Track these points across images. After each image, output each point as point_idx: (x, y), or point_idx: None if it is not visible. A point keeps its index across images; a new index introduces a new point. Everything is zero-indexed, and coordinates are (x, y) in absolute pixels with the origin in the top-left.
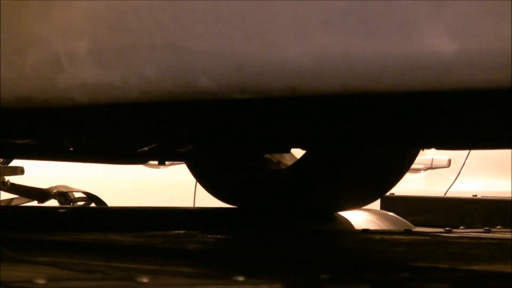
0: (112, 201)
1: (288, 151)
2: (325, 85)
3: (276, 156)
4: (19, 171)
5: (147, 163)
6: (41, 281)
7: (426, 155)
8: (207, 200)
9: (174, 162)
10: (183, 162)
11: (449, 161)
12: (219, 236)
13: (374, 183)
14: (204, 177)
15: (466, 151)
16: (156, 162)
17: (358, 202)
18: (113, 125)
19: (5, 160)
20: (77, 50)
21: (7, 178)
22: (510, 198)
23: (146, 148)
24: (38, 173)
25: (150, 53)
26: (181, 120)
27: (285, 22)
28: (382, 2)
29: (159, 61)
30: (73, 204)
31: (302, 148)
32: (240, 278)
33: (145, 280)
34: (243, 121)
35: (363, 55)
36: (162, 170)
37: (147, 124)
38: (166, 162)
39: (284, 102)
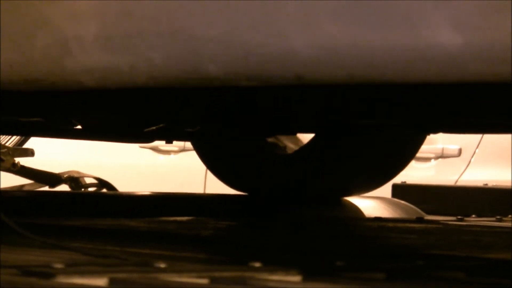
0: (122, 187)
1: (295, 134)
2: (331, 75)
3: (282, 141)
4: (29, 152)
5: (158, 149)
6: (59, 266)
7: (437, 144)
8: (217, 186)
9: (185, 149)
10: (193, 149)
11: (460, 150)
12: (231, 223)
13: (382, 168)
14: (214, 163)
15: (477, 140)
16: (167, 149)
17: (366, 188)
18: (121, 105)
19: (18, 142)
20: (85, 34)
21: (17, 160)
22: None
23: (153, 128)
24: (48, 158)
25: (158, 39)
26: (187, 101)
27: (293, 11)
28: None
29: (166, 47)
30: (84, 190)
31: (309, 132)
32: (257, 265)
33: (162, 265)
34: (250, 102)
35: (369, 46)
36: (173, 156)
37: (155, 105)
38: (177, 149)
39: (292, 86)
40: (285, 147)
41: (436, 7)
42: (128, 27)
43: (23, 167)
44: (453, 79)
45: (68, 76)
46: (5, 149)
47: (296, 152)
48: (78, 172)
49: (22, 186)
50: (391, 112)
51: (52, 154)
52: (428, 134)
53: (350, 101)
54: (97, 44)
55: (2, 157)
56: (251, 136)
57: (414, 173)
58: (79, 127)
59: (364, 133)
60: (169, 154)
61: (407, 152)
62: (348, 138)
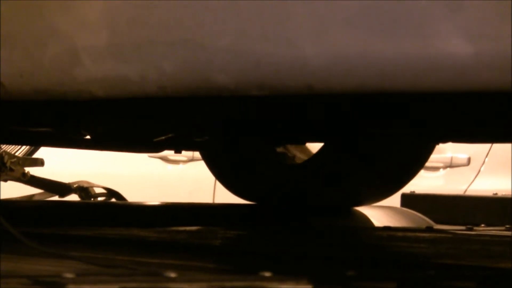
0: (131, 197)
1: (304, 143)
2: (341, 84)
3: (291, 151)
4: (39, 162)
5: (167, 159)
6: (69, 275)
7: (446, 153)
8: (226, 196)
9: (194, 159)
10: (202, 159)
11: (469, 159)
12: (240, 232)
13: (391, 178)
14: (222, 173)
15: (486, 149)
16: (176, 158)
17: (376, 197)
18: (130, 115)
19: (28, 152)
20: (96, 44)
21: (27, 169)
22: None
23: (162, 137)
24: (58, 168)
25: (169, 49)
26: (197, 110)
27: (303, 21)
28: (400, 3)
29: (177, 56)
30: (93, 200)
31: (319, 141)
32: (267, 274)
33: (172, 275)
34: (260, 111)
35: (380, 55)
36: (182, 166)
37: (164, 114)
38: (186, 158)
39: (301, 95)
40: (294, 156)
41: (447, 17)
42: (138, 36)
43: (33, 176)
44: (464, 89)
45: (78, 86)
46: (15, 159)
47: (305, 161)
48: (87, 182)
49: (32, 196)
50: (401, 122)
51: (62, 164)
52: (438, 144)
53: (359, 110)
54: (107, 54)
55: (12, 167)
56: (260, 145)
57: (423, 182)
58: (88, 137)
59: (374, 143)
60: (178, 164)
61: (416, 161)
62: (357, 147)
